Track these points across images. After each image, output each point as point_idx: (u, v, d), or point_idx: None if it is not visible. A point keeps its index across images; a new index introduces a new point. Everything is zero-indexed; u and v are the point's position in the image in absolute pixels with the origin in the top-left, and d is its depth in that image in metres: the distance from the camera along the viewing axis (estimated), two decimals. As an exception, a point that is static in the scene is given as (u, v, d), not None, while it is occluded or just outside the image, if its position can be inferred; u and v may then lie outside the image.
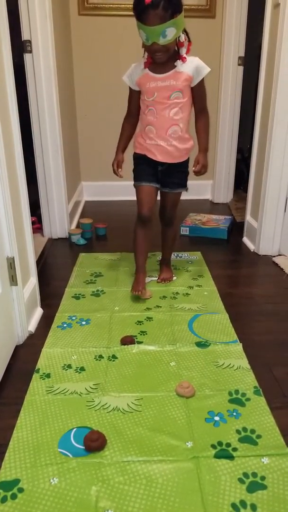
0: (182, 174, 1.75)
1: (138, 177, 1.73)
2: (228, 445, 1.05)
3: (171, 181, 1.73)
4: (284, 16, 1.88)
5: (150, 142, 1.65)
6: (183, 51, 1.54)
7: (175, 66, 1.55)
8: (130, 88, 1.67)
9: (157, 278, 1.95)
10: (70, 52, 2.91)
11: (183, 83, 1.56)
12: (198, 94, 1.62)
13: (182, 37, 1.52)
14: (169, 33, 1.42)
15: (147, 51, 1.53)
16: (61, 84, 2.38)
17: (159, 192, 1.77)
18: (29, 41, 2.11)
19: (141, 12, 1.39)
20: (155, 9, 1.37)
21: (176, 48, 1.54)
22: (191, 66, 1.55)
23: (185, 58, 1.54)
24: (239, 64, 2.90)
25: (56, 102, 2.27)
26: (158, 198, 1.80)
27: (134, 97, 1.68)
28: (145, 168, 1.71)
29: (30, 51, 2.13)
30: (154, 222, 1.76)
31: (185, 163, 1.73)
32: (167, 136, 1.62)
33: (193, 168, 1.67)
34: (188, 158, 1.73)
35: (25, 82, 2.19)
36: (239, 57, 2.89)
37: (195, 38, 3.12)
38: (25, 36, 2.11)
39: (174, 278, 1.97)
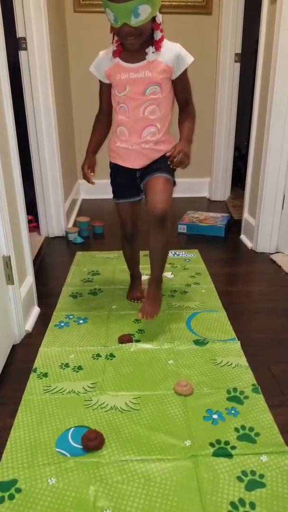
0: (162, 163, 1.41)
1: (114, 193, 1.54)
2: (227, 443, 1.04)
3: (149, 171, 1.43)
4: (281, 13, 1.87)
5: (121, 145, 1.42)
6: (157, 35, 1.28)
7: (147, 54, 1.30)
8: (100, 81, 1.43)
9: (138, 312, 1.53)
10: (65, 49, 2.90)
11: (161, 75, 1.31)
12: (180, 88, 1.38)
13: (159, 18, 1.25)
14: (143, 11, 1.17)
15: (116, 35, 1.27)
16: (56, 82, 2.37)
17: (144, 188, 1.47)
18: (24, 38, 2.10)
19: None
20: None
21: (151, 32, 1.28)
22: (171, 54, 1.30)
23: (159, 44, 1.29)
24: (235, 61, 2.89)
25: (52, 99, 2.25)
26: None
27: (105, 91, 1.44)
28: (121, 182, 1.50)
29: (25, 48, 2.11)
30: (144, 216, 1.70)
31: (164, 156, 1.42)
32: (141, 139, 1.38)
33: (168, 153, 1.37)
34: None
35: (20, 79, 2.18)
36: (236, 54, 2.87)
37: (192, 35, 3.11)
38: (20, 33, 2.09)
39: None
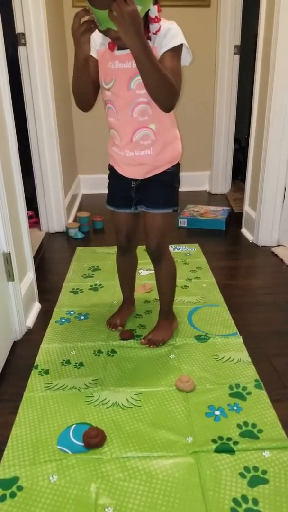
0: (163, 188, 1.26)
1: (108, 198, 1.37)
2: (229, 439, 1.04)
3: (146, 198, 1.27)
4: (279, 5, 1.84)
5: (115, 150, 1.24)
6: (154, 27, 1.07)
7: None
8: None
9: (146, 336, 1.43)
10: (64, 44, 2.86)
11: None
12: None
13: (154, 11, 1.04)
14: None
15: (103, 35, 1.08)
16: (55, 77, 2.34)
17: (143, 216, 1.34)
18: (23, 34, 2.07)
19: None
20: None
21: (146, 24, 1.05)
22: (161, 34, 1.07)
23: (154, 35, 1.08)
24: (235, 53, 2.85)
25: (51, 95, 2.23)
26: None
27: (91, 64, 1.13)
28: (116, 188, 1.33)
29: (24, 44, 2.09)
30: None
31: (169, 174, 1.26)
32: (132, 144, 1.18)
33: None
34: (177, 165, 1.28)
35: (19, 74, 2.16)
36: (235, 46, 2.84)
37: (190, 27, 3.06)
38: (18, 29, 2.07)
39: (169, 341, 1.43)
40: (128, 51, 1.05)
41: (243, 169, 2.94)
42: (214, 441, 1.03)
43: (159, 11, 1.06)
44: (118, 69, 1.11)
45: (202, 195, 3.29)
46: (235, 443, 1.02)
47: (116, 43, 1.08)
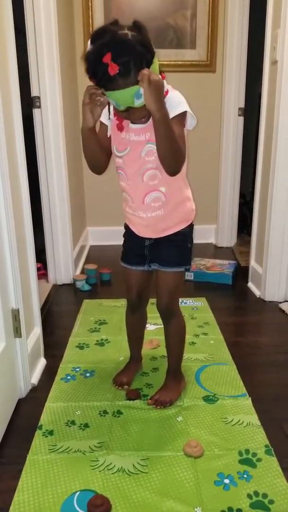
0: (176, 247, 1.30)
1: (122, 255, 1.41)
2: (239, 510, 1.00)
3: (159, 257, 1.31)
4: (282, 72, 1.98)
5: (129, 211, 1.29)
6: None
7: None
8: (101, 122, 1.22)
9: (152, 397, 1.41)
10: (77, 106, 3.04)
11: None
12: None
13: (165, 86, 1.08)
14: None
15: (119, 116, 1.15)
16: (68, 137, 2.47)
17: (155, 274, 1.38)
18: (38, 97, 2.22)
19: (106, 83, 1.02)
20: (125, 77, 0.99)
21: None
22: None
23: None
24: (239, 115, 3.01)
25: (63, 153, 2.34)
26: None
27: (101, 132, 1.23)
28: (130, 246, 1.37)
29: (39, 107, 2.23)
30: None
31: (182, 234, 1.29)
32: (144, 205, 1.23)
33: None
34: (190, 226, 1.32)
35: (33, 130, 2.28)
36: (239, 108, 3.00)
37: (197, 91, 3.25)
38: (34, 92, 2.22)
39: (177, 402, 1.40)
40: (142, 125, 1.14)
41: (248, 223, 3.00)
42: (224, 513, 0.99)
43: (163, 78, 1.10)
44: (134, 141, 1.17)
45: (208, 248, 3.33)
46: (246, 516, 0.98)
47: (131, 120, 1.14)
